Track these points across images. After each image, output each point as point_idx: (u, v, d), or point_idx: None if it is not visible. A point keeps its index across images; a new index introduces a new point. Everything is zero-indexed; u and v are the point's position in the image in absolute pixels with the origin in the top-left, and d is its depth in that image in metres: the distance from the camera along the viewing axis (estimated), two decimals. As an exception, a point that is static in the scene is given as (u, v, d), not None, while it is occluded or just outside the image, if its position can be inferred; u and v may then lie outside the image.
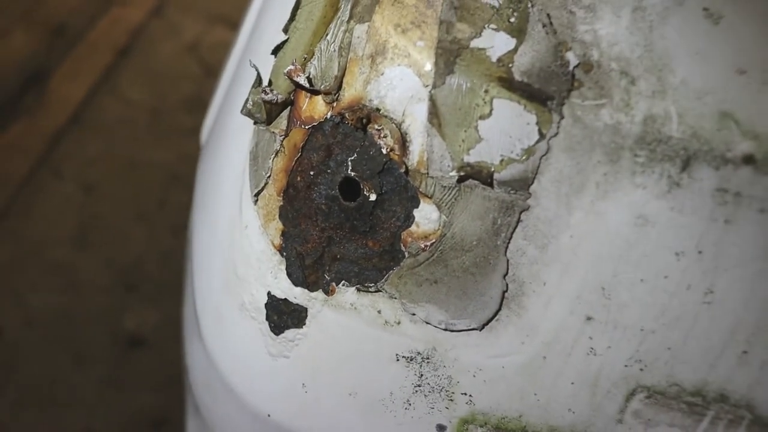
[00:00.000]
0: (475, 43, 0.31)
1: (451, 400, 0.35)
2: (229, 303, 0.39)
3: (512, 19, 0.32)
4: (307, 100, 0.35)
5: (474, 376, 0.34)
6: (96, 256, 1.76)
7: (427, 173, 0.32)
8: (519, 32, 0.31)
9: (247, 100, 0.36)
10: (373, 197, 0.33)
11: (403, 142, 0.32)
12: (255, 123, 0.37)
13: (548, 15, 0.31)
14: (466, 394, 0.34)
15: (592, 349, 0.33)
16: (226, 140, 0.44)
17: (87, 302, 1.67)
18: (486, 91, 0.31)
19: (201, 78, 2.20)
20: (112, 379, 1.56)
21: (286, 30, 0.37)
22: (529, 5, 0.32)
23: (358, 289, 0.34)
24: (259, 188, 0.37)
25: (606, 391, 0.33)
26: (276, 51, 0.37)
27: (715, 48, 0.31)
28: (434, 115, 0.31)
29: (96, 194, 1.90)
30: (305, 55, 0.35)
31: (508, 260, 0.32)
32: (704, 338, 0.32)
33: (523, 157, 0.31)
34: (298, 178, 0.35)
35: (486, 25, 0.31)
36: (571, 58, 0.31)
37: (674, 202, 0.31)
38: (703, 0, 0.32)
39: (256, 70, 0.36)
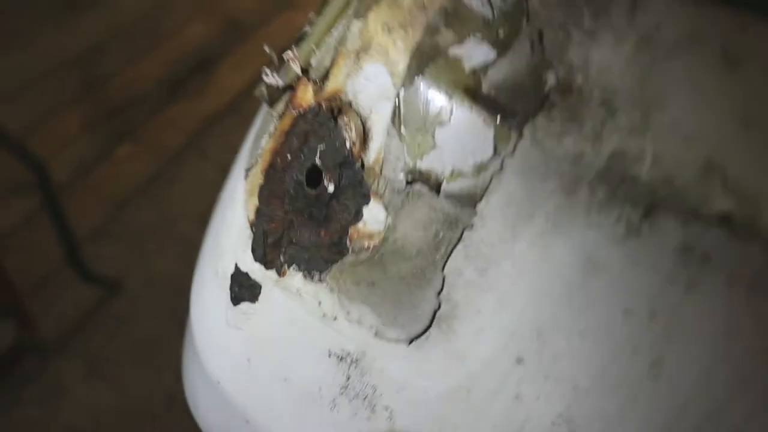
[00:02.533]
0: (453, 51, 0.31)
1: (373, 411, 0.34)
2: (208, 269, 0.41)
3: (501, 33, 0.30)
4: (303, 88, 0.36)
5: (397, 392, 0.33)
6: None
7: (381, 173, 0.32)
8: (503, 46, 0.30)
9: (261, 82, 0.38)
10: (331, 188, 0.33)
11: (365, 138, 0.32)
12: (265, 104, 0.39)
13: (540, 33, 0.30)
14: (387, 408, 0.33)
15: (518, 395, 0.30)
16: (256, 119, 0.46)
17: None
18: (449, 98, 0.30)
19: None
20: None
21: (311, 23, 0.38)
22: (524, 21, 0.30)
23: (305, 276, 0.34)
24: (250, 165, 0.38)
25: None
26: (298, 41, 0.38)
27: (723, 93, 0.28)
28: (397, 115, 0.31)
29: (229, 178, 2.04)
30: (314, 46, 0.36)
31: (444, 277, 0.31)
32: (645, 414, 0.29)
33: (474, 172, 0.30)
34: (279, 160, 0.36)
35: (471, 35, 0.31)
36: (551, 79, 0.29)
37: (630, 251, 0.28)
38: (724, 42, 0.29)
39: (271, 53, 0.38)
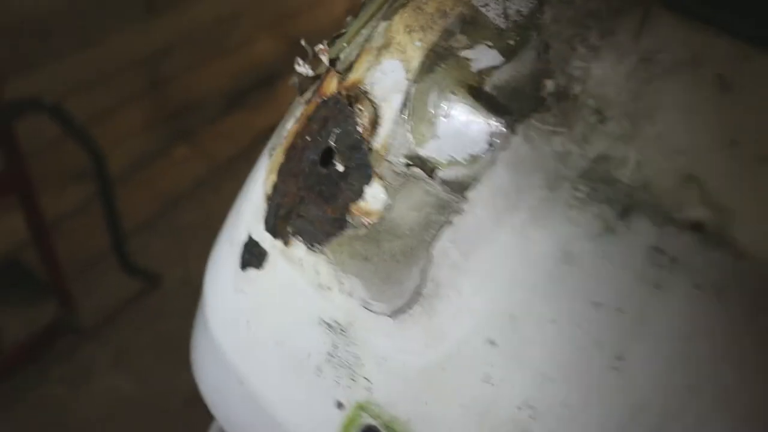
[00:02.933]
0: (464, 53, 0.33)
1: (354, 380, 0.36)
2: (225, 238, 0.44)
3: (511, 42, 0.33)
4: (329, 79, 0.39)
5: (377, 364, 0.35)
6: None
7: (385, 156, 0.34)
8: (511, 53, 0.33)
9: (294, 72, 0.41)
10: (341, 168, 0.36)
11: (375, 124, 0.35)
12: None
13: (547, 45, 0.33)
14: (367, 379, 0.35)
15: (489, 376, 0.32)
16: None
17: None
18: (453, 94, 0.33)
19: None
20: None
21: (348, 24, 0.42)
22: (534, 34, 0.33)
23: (307, 247, 0.37)
24: (274, 146, 0.42)
25: (492, 429, 0.32)
26: (334, 38, 0.42)
27: (712, 114, 0.30)
28: (406, 106, 0.34)
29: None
30: (345, 43, 0.40)
31: (431, 257, 0.33)
32: (605, 408, 0.30)
33: (468, 163, 0.32)
34: (299, 142, 0.39)
35: (483, 41, 0.33)
36: (550, 86, 0.32)
37: (604, 247, 0.30)
38: (721, 67, 0.31)
39: (306, 46, 0.41)
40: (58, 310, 1.69)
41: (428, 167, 0.33)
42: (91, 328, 1.78)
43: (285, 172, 0.40)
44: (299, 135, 0.39)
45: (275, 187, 0.40)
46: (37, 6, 1.53)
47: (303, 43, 0.41)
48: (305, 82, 0.41)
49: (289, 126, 0.41)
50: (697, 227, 0.28)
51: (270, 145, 0.43)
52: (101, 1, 1.71)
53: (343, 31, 0.42)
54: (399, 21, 0.36)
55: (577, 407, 0.30)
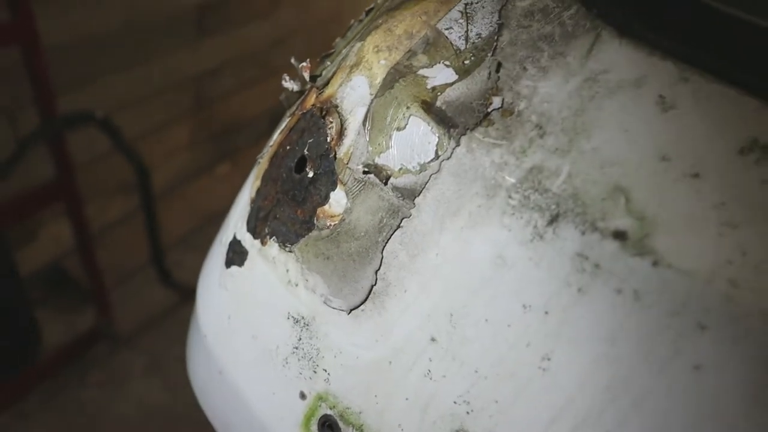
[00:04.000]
0: (422, 71, 0.36)
1: (315, 372, 0.38)
2: (218, 236, 0.48)
3: (467, 62, 0.36)
4: (310, 94, 0.43)
5: (335, 356, 0.38)
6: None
7: (348, 164, 0.37)
8: (465, 72, 0.36)
9: (284, 89, 0.45)
10: (311, 174, 0.39)
11: (341, 135, 0.38)
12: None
13: (499, 64, 0.35)
14: (326, 371, 0.38)
15: (429, 371, 0.34)
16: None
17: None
18: (408, 108, 0.35)
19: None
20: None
21: (335, 45, 0.45)
22: (489, 54, 0.36)
23: (280, 247, 0.40)
24: (262, 154, 0.45)
25: (432, 422, 0.34)
26: (325, 57, 0.45)
27: (649, 130, 0.32)
28: (367, 118, 0.37)
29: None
30: (328, 62, 0.43)
31: (383, 258, 0.36)
32: (532, 405, 0.32)
33: (417, 171, 0.35)
34: (281, 150, 0.43)
35: (441, 61, 0.36)
36: (496, 102, 0.34)
37: (534, 252, 0.32)
38: (663, 88, 0.33)
39: (294, 63, 0.45)
40: (97, 317, 1.76)
41: (383, 175, 0.36)
42: (128, 337, 1.85)
43: (267, 178, 0.43)
44: (282, 144, 0.43)
45: (258, 191, 0.43)
46: (93, 25, 1.63)
47: (292, 60, 0.45)
48: (292, 97, 0.44)
49: (276, 136, 0.44)
50: (619, 236, 0.30)
51: (260, 153, 0.47)
52: (154, 22, 1.80)
53: (331, 51, 0.45)
54: (370, 41, 0.39)
55: (507, 404, 0.32)
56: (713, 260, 0.29)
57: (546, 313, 0.31)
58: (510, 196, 0.32)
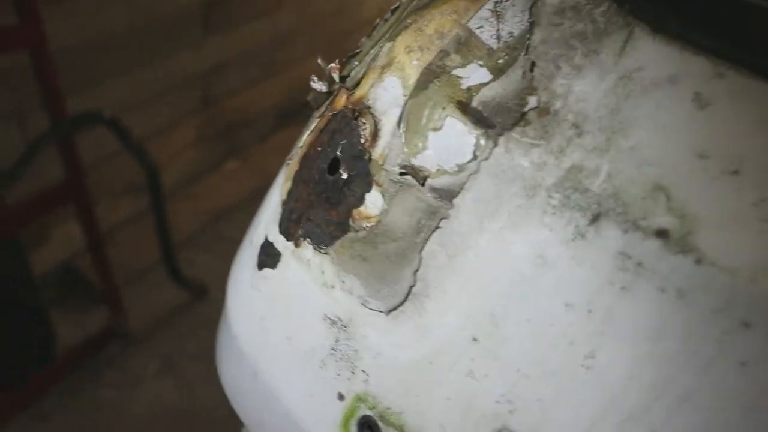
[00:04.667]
0: (456, 72, 0.36)
1: (353, 372, 0.39)
2: (247, 237, 0.48)
3: (500, 61, 0.36)
4: (340, 94, 0.43)
5: (374, 357, 0.38)
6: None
7: (383, 166, 0.37)
8: (499, 72, 0.36)
9: (311, 89, 0.45)
10: (345, 176, 0.39)
11: (375, 136, 0.38)
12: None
13: (533, 63, 0.35)
14: (365, 371, 0.38)
15: (471, 371, 0.34)
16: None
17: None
18: (443, 109, 0.36)
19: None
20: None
21: (361, 45, 0.45)
22: (522, 53, 0.36)
23: (314, 249, 0.40)
24: (291, 156, 0.45)
25: (475, 421, 0.35)
26: (350, 57, 0.45)
27: (687, 128, 0.32)
28: (402, 120, 0.37)
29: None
30: (356, 62, 0.43)
31: (421, 259, 0.36)
32: (576, 404, 0.32)
33: (455, 172, 0.35)
34: (312, 151, 0.43)
35: (474, 60, 0.36)
36: (532, 101, 0.34)
37: (576, 252, 0.32)
38: (698, 84, 0.33)
39: (321, 63, 0.45)
40: (109, 317, 1.77)
41: (420, 176, 0.36)
42: (141, 336, 1.86)
43: (298, 179, 0.43)
44: (312, 145, 0.43)
45: (289, 193, 0.43)
46: (98, 28, 1.63)
47: (319, 61, 0.45)
48: (320, 98, 0.44)
49: (305, 137, 0.44)
50: (661, 234, 0.30)
51: (289, 155, 0.47)
52: (158, 22, 1.80)
53: (357, 50, 0.45)
54: (401, 42, 0.39)
55: (551, 403, 0.33)
56: (756, 257, 0.29)
57: (589, 311, 0.31)
58: (550, 196, 0.32)
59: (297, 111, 2.55)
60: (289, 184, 0.44)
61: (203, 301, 1.98)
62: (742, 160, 0.31)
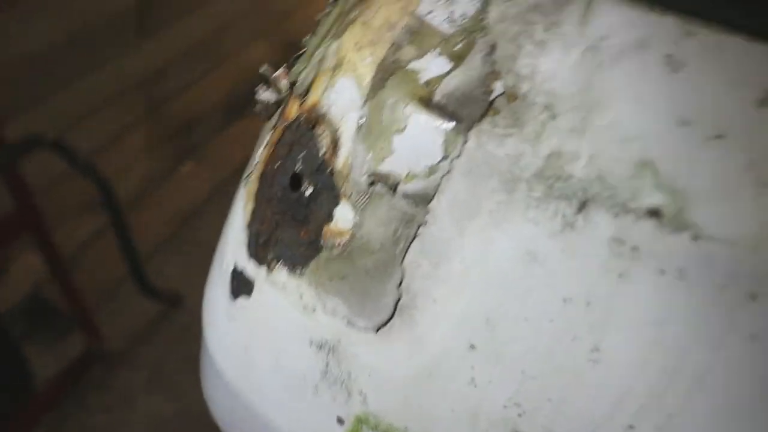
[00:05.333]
0: (412, 65, 0.34)
1: (349, 395, 0.37)
2: (216, 261, 0.45)
3: (457, 47, 0.33)
4: (291, 103, 0.40)
5: (369, 376, 0.36)
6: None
7: (348, 176, 0.35)
8: (459, 58, 0.33)
9: (257, 99, 0.42)
10: (309, 191, 0.37)
11: (336, 145, 0.35)
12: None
13: (493, 46, 0.33)
14: (361, 392, 0.36)
15: (473, 379, 0.33)
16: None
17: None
18: (405, 107, 0.33)
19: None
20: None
21: (306, 44, 0.42)
22: (479, 35, 0.33)
23: (288, 272, 0.38)
24: (248, 173, 0.42)
25: (485, 430, 0.33)
26: (293, 60, 0.42)
27: (663, 95, 0.30)
28: (362, 124, 0.34)
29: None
30: (303, 66, 0.40)
31: (403, 270, 0.34)
32: (588, 399, 0.31)
33: (426, 174, 0.33)
34: (269, 167, 0.40)
35: (431, 50, 0.34)
36: (498, 87, 0.32)
37: (566, 243, 0.30)
38: (669, 46, 0.31)
39: (265, 72, 0.42)
40: (86, 340, 1.72)
41: (390, 183, 0.34)
42: (122, 354, 1.82)
43: (260, 199, 0.40)
44: (269, 161, 0.40)
45: (253, 214, 0.41)
46: (29, 43, 1.55)
47: (262, 70, 0.42)
48: (270, 108, 0.41)
49: (260, 153, 0.42)
50: (654, 213, 0.29)
51: (246, 172, 0.44)
52: (93, 31, 1.72)
53: (302, 51, 0.42)
54: (349, 38, 0.36)
55: (561, 401, 0.31)
56: (755, 225, 0.28)
57: (588, 303, 0.30)
58: (531, 188, 0.30)
59: (246, 101, 2.48)
60: (251, 205, 0.41)
61: (180, 309, 1.94)
62: (725, 122, 0.29)
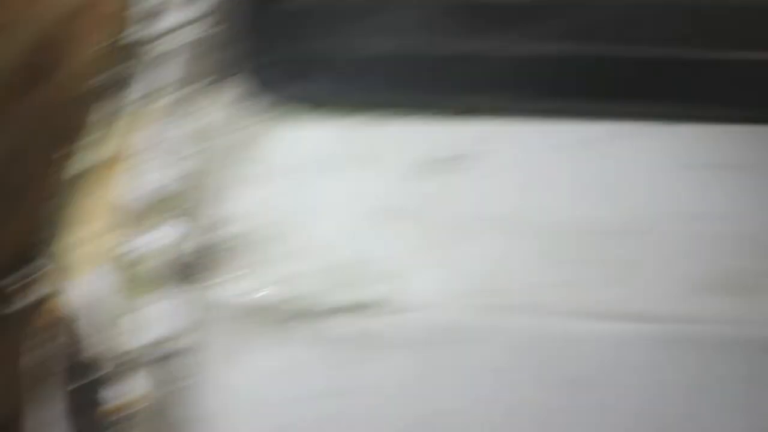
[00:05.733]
0: (126, 247, 0.38)
1: None
2: None
3: (152, 220, 0.38)
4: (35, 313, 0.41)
5: None
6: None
7: (108, 360, 0.37)
8: (158, 229, 0.38)
9: None
10: (85, 382, 0.39)
11: (84, 339, 0.38)
12: None
13: (187, 210, 0.38)
14: None
15: None
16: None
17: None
18: (137, 291, 0.37)
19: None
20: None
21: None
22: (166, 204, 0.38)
23: None
24: (30, 381, 0.43)
25: None
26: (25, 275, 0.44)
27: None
28: (102, 314, 0.37)
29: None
30: (28, 276, 0.42)
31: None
32: None
33: (177, 338, 0.37)
34: (41, 371, 0.41)
35: (131, 230, 0.38)
36: (188, 245, 0.37)
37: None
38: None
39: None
40: None
41: (143, 359, 0.37)
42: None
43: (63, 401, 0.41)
44: (40, 365, 0.41)
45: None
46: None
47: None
48: (12, 319, 0.43)
49: (25, 362, 0.43)
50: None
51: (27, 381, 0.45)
52: None
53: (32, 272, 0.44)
54: (66, 239, 0.39)
55: None
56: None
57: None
58: (256, 320, 0.36)
59: None
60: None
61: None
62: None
